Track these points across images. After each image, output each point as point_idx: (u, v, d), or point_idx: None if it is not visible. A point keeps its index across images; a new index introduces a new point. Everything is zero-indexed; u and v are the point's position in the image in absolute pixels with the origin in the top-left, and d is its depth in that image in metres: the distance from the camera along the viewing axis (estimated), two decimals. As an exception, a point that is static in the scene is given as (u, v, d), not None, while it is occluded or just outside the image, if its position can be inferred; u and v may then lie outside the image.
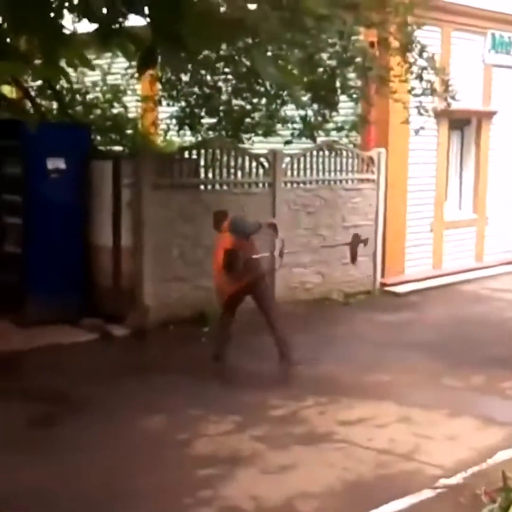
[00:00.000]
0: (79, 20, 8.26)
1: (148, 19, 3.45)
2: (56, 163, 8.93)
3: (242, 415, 6.60)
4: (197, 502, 5.07)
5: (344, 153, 11.19)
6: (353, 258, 9.17)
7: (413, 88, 10.13)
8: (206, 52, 8.75)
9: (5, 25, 4.59)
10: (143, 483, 5.32)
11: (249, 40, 8.41)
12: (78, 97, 10.79)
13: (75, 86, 10.67)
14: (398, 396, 7.18)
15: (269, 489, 5.27)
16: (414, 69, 9.86)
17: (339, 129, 10.26)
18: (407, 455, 5.89)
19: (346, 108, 10.48)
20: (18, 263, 9.17)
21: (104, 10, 3.62)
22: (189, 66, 8.63)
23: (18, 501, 4.99)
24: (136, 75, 10.57)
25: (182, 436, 6.17)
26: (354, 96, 9.84)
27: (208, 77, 9.38)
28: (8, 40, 4.99)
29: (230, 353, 8.15)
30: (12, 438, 5.99)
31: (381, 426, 6.48)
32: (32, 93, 10.28)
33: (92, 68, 5.09)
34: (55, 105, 10.55)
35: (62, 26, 4.50)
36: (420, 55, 9.70)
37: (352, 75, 9.57)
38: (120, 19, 4.02)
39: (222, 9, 8.42)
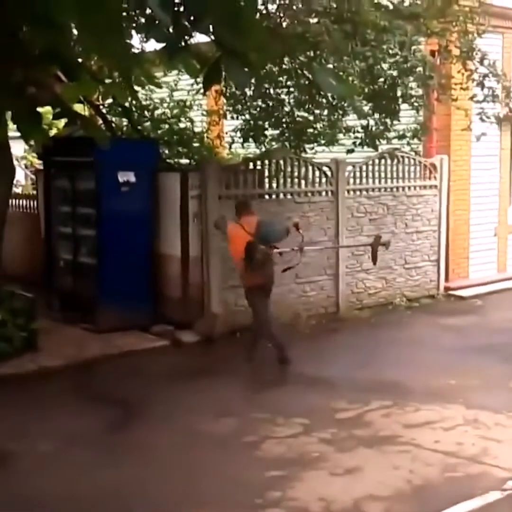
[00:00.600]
0: (146, 40, 8.60)
1: (212, 36, 3.65)
2: (126, 177, 9.26)
3: (308, 418, 6.75)
4: (266, 503, 5.22)
5: (406, 160, 11.29)
6: (374, 259, 8.96)
7: (474, 95, 10.16)
8: (269, 66, 8.97)
9: (78, 47, 4.86)
10: (214, 484, 5.52)
11: (311, 53, 8.63)
12: (146, 113, 11.14)
13: (144, 102, 11.02)
14: (464, 399, 7.22)
15: (337, 491, 5.38)
16: (475, 76, 9.89)
17: (400, 137, 10.36)
18: (475, 457, 5.94)
19: (407, 117, 10.56)
20: (91, 273, 9.54)
21: (170, 29, 3.84)
22: (253, 80, 8.86)
23: (99, 502, 5.25)
24: (202, 90, 10.90)
25: (250, 438, 6.34)
26: (415, 104, 9.92)
27: (271, 90, 9.59)
28: (79, 60, 5.26)
29: (294, 358, 8.31)
30: (92, 441, 6.29)
31: (448, 429, 6.54)
32: (103, 111, 10.67)
33: (159, 85, 5.35)
34: (125, 121, 10.91)
35: (132, 46, 4.76)
36: (481, 62, 9.73)
37: (413, 83, 9.65)
38: (185, 37, 4.24)
39: (284, 23, 8.67)
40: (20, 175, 15.08)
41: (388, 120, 9.79)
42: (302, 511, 5.14)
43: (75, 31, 3.71)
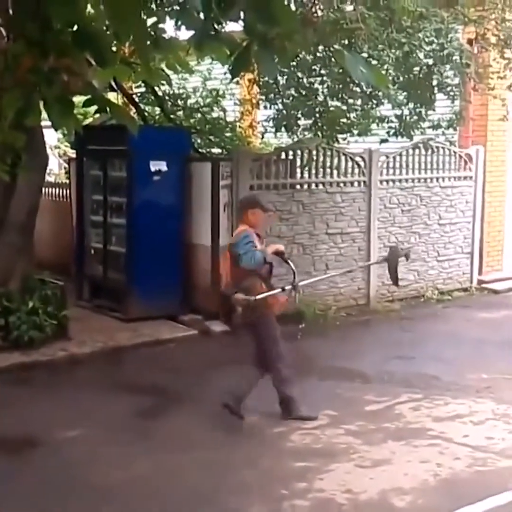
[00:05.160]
0: (178, 28, 8.59)
1: (242, 24, 3.60)
2: (158, 166, 9.27)
3: (337, 410, 6.71)
4: (293, 494, 5.21)
5: (441, 150, 11.14)
6: (394, 279, 6.90)
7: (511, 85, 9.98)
8: (302, 54, 8.88)
9: (109, 31, 4.81)
10: (241, 474, 5.52)
11: (345, 41, 8.53)
12: (179, 102, 11.14)
13: (177, 91, 11.02)
14: (496, 394, 7.12)
15: (363, 483, 5.35)
16: (513, 65, 9.72)
17: (435, 127, 10.21)
18: (504, 452, 5.86)
19: (442, 106, 10.41)
20: (122, 261, 9.59)
21: (201, 16, 3.80)
22: (285, 68, 8.78)
23: (132, 489, 5.28)
24: (235, 79, 10.87)
25: (278, 429, 6.32)
26: (451, 93, 9.77)
27: (305, 79, 9.51)
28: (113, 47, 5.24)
29: (324, 350, 8.25)
30: (124, 427, 6.33)
31: (478, 423, 6.46)
32: (136, 100, 10.69)
33: (191, 71, 5.33)
34: (157, 110, 10.93)
35: (163, 30, 4.72)
36: (519, 51, 9.57)
37: (449, 72, 9.50)
38: (216, 25, 4.19)
39: (319, 11, 8.57)
40: (54, 164, 15.20)
41: (423, 110, 9.65)
42: (328, 502, 5.12)
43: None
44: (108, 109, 4.76)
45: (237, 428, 6.30)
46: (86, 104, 4.56)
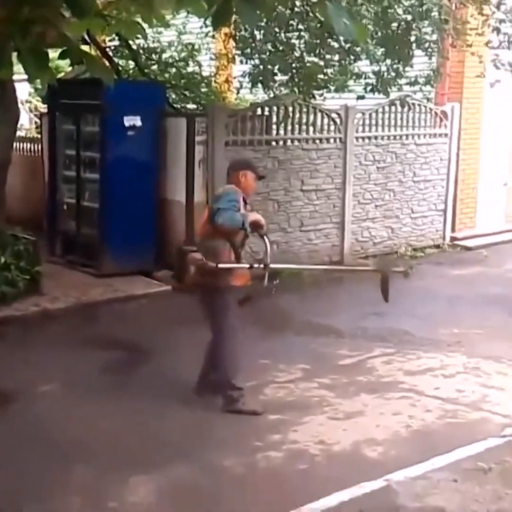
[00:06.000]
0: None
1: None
2: (132, 121, 9.14)
3: (310, 364, 6.78)
4: (267, 446, 5.27)
5: (417, 107, 11.11)
6: (385, 294, 6.08)
7: (490, 41, 9.93)
8: (280, 9, 8.74)
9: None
10: (214, 427, 5.56)
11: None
12: (154, 56, 10.97)
13: (151, 45, 10.85)
14: (467, 348, 7.23)
15: (336, 435, 5.44)
16: (491, 22, 9.65)
17: (413, 83, 10.16)
18: (475, 404, 5.97)
19: (420, 63, 10.35)
20: (95, 217, 9.51)
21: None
22: (263, 22, 8.63)
23: (101, 445, 5.29)
24: (211, 33, 10.70)
25: (252, 383, 6.27)
26: (429, 50, 9.70)
27: (282, 34, 9.38)
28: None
29: (299, 307, 8.30)
30: (93, 384, 6.31)
31: (449, 377, 6.56)
32: (110, 53, 10.50)
33: (167, 24, 5.23)
34: (131, 64, 10.76)
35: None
36: (498, 7, 9.49)
37: (427, 29, 9.42)
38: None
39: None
40: (24, 119, 14.94)
41: (400, 66, 9.58)
42: (301, 453, 5.20)
43: None
44: (84, 61, 4.66)
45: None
46: (62, 56, 4.46)
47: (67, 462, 5.04)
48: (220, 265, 5.52)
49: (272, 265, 5.74)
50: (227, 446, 5.29)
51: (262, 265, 5.68)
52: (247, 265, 5.74)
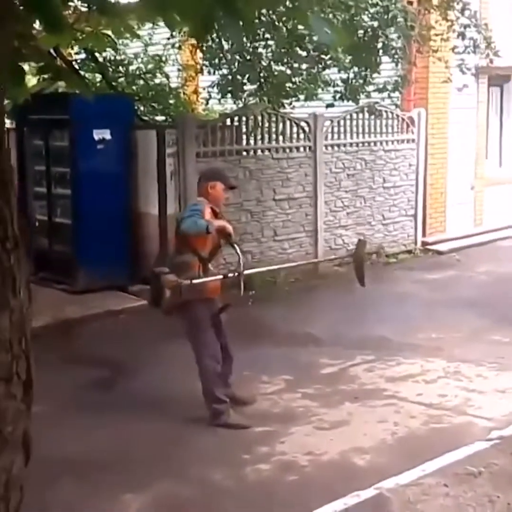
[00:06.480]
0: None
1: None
2: (102, 134, 9.09)
3: (292, 374, 6.77)
4: (255, 458, 5.25)
5: (384, 114, 11.21)
6: (361, 280, 6.27)
7: (455, 47, 10.06)
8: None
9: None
10: (201, 441, 5.53)
11: (290, 4, 8.42)
12: (121, 68, 10.91)
13: (118, 57, 10.79)
14: (446, 353, 7.28)
15: (324, 445, 5.43)
16: (456, 27, 9.78)
17: (381, 90, 10.26)
18: (458, 409, 6.01)
19: (387, 69, 10.46)
20: (67, 233, 9.41)
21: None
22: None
23: (87, 462, 5.23)
24: (177, 44, 10.67)
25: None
26: (396, 56, 9.80)
27: (249, 44, 9.40)
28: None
29: (275, 316, 8.30)
30: (75, 402, 6.24)
31: (430, 382, 6.61)
32: (76, 66, 10.41)
33: (137, 35, 5.20)
34: (98, 77, 10.69)
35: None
36: (462, 12, 9.63)
37: (393, 35, 9.52)
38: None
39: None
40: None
41: (368, 73, 9.66)
42: (290, 464, 5.19)
43: None
44: (59, 76, 4.60)
45: (193, 396, 6.22)
46: (40, 71, 4.41)
47: (55, 480, 4.95)
48: (194, 281, 5.52)
49: (246, 272, 5.83)
50: (215, 460, 5.26)
51: (236, 274, 5.76)
52: (221, 276, 5.77)
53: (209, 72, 10.20)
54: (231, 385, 6.06)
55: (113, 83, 10.37)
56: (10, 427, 1.71)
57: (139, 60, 11.14)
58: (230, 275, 5.78)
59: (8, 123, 13.52)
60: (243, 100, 9.90)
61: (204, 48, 9.73)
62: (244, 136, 10.01)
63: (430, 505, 4.47)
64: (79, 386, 6.56)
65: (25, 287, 1.80)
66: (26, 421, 1.85)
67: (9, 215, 1.73)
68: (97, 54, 9.99)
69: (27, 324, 1.82)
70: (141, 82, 10.88)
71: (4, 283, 1.70)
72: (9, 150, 1.77)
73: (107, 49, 8.87)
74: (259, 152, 10.06)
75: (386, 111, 11.22)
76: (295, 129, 10.36)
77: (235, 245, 5.77)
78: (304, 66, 9.53)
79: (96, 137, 9.09)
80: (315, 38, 8.54)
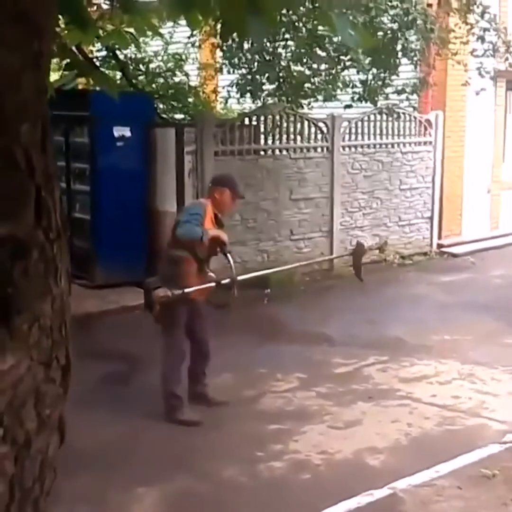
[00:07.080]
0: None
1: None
2: (122, 131, 9.16)
3: (306, 373, 6.82)
4: (269, 456, 5.29)
5: (402, 116, 11.23)
6: (358, 275, 6.88)
7: (474, 50, 10.07)
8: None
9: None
10: (215, 438, 5.58)
11: (310, 5, 8.47)
12: (141, 66, 10.98)
13: (138, 55, 10.86)
14: (460, 355, 7.30)
15: (337, 444, 5.47)
16: (475, 30, 9.79)
17: (399, 92, 10.28)
18: (472, 411, 6.03)
19: (406, 71, 10.48)
20: (86, 228, 9.50)
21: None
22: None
23: (101, 456, 5.30)
24: (197, 43, 10.73)
25: (250, 392, 6.40)
26: (415, 59, 9.82)
27: (268, 44, 9.45)
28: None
29: (290, 315, 8.33)
30: (91, 396, 6.25)
31: (444, 383, 6.63)
32: (97, 64, 10.50)
33: (160, 34, 5.26)
34: (118, 75, 10.76)
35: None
36: (482, 16, 9.64)
37: (413, 37, 9.54)
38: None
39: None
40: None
41: (386, 75, 9.69)
42: (304, 463, 5.22)
43: None
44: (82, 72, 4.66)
45: (209, 392, 6.36)
46: (67, 68, 4.47)
47: (71, 473, 5.01)
48: (186, 290, 5.61)
49: (239, 278, 5.95)
50: (229, 456, 5.31)
51: (228, 280, 5.84)
52: (214, 284, 5.86)
53: (228, 71, 10.26)
54: (205, 384, 6.11)
55: (133, 81, 10.45)
56: (48, 410, 1.77)
57: (159, 58, 11.22)
58: (223, 282, 5.85)
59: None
60: (261, 99, 9.96)
61: (224, 48, 9.79)
62: (262, 136, 10.06)
63: (444, 507, 4.51)
64: (96, 379, 6.63)
65: (66, 276, 1.87)
66: (63, 405, 1.91)
67: (52, 206, 1.81)
68: (118, 52, 10.07)
69: (67, 311, 1.89)
70: (161, 80, 10.95)
71: (47, 271, 1.78)
72: (52, 145, 1.84)
73: (129, 47, 8.92)
74: (276, 151, 10.12)
75: (404, 113, 11.24)
76: (313, 129, 10.40)
77: (228, 255, 5.85)
78: (323, 66, 9.58)
79: (116, 134, 9.16)
80: (335, 39, 8.59)
